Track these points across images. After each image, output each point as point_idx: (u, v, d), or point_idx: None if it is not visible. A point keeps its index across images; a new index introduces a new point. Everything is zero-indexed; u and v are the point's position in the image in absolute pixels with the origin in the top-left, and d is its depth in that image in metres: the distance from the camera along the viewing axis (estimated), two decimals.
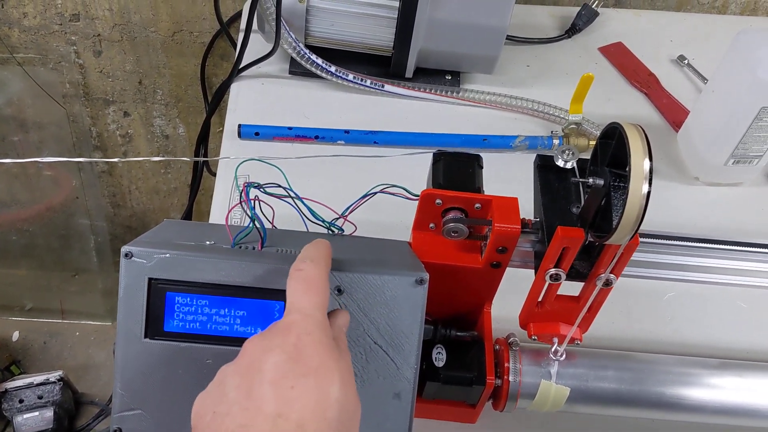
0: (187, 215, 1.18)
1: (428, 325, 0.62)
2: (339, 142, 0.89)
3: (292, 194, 0.60)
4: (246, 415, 0.39)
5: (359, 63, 0.96)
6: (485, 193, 0.61)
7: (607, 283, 0.57)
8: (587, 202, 0.55)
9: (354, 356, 0.51)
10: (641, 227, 0.50)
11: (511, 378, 0.62)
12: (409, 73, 0.95)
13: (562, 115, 0.94)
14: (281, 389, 0.39)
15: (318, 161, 0.87)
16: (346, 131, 0.89)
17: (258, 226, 0.54)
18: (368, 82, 0.94)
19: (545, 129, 0.94)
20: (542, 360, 0.64)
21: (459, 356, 0.62)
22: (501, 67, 1.01)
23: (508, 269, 0.62)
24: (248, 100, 0.94)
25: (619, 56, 1.05)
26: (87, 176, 1.43)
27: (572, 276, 0.58)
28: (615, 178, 0.50)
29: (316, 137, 0.88)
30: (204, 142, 1.04)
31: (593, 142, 0.92)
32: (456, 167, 0.63)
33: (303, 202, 0.61)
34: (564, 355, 0.63)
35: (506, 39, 1.04)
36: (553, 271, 0.57)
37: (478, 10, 0.87)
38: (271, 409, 0.39)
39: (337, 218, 0.63)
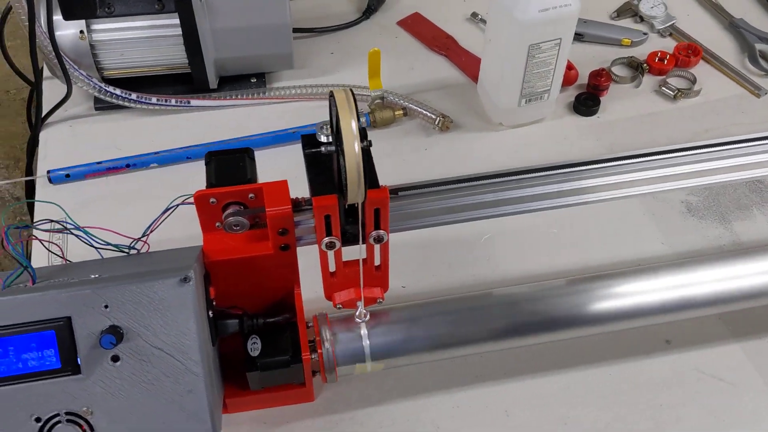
0: None
1: (234, 319, 0.64)
2: (152, 165, 0.90)
3: (70, 226, 0.61)
4: None
5: (165, 84, 0.98)
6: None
7: (378, 239, 0.60)
8: (335, 169, 0.58)
9: (138, 365, 0.53)
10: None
11: (325, 350, 0.65)
12: (212, 85, 0.96)
13: (367, 93, 0.97)
14: None
15: (133, 190, 0.88)
16: (157, 153, 0.90)
17: (24, 264, 0.55)
18: (173, 102, 0.95)
19: None
20: (353, 326, 0.66)
21: (273, 342, 0.65)
22: (306, 59, 1.04)
23: (311, 248, 0.64)
24: (59, 145, 0.94)
25: (417, 26, 1.09)
26: None
27: (349, 241, 0.61)
28: (340, 141, 0.53)
29: (128, 166, 0.89)
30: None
31: (399, 113, 0.96)
32: (227, 165, 0.65)
33: (85, 231, 0.62)
34: (368, 316, 0.66)
35: (306, 31, 1.08)
36: (326, 239, 0.60)
37: (254, 12, 0.90)
38: None
39: (136, 241, 0.65)
